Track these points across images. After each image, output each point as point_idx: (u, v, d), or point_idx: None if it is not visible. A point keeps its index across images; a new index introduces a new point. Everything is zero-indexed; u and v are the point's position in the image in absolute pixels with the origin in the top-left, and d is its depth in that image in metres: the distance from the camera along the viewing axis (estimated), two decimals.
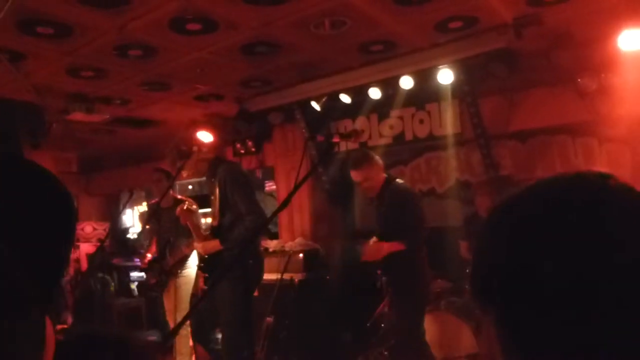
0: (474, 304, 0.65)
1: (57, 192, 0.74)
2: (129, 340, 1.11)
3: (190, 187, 8.05)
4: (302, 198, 5.75)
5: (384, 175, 3.72)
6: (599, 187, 0.60)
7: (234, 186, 3.51)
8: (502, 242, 0.61)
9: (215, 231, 3.64)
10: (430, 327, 4.02)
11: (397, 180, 3.75)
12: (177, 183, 7.11)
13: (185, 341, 4.72)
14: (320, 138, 4.67)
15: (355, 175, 3.67)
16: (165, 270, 4.62)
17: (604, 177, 0.62)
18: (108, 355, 1.04)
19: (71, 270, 7.10)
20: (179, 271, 4.67)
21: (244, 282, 3.40)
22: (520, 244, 0.59)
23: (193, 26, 3.60)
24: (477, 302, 0.64)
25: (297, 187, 2.00)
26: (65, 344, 0.98)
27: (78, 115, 5.19)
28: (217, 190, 3.59)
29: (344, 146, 5.59)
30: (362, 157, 3.70)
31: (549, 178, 0.64)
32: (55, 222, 0.72)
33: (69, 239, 0.75)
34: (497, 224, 0.64)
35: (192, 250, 4.66)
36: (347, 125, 5.63)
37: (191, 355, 4.79)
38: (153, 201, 4.58)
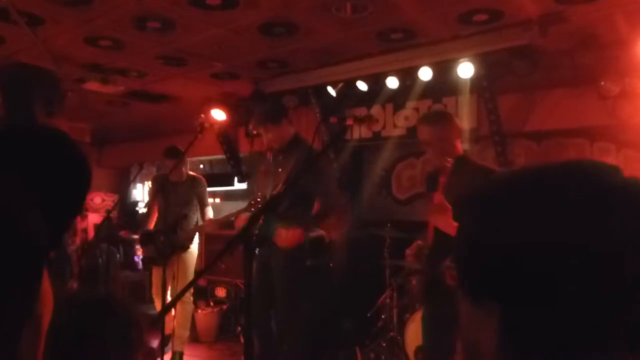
0: (457, 289, 0.61)
1: (75, 152, 0.79)
2: (119, 303, 1.13)
3: (201, 166, 8.07)
4: None
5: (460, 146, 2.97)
6: (606, 180, 0.55)
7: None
8: (499, 233, 0.56)
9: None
10: None
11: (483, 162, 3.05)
12: (188, 160, 7.13)
13: (187, 312, 4.80)
14: (333, 120, 4.61)
15: (425, 133, 2.95)
16: (172, 244, 4.62)
17: (612, 170, 0.56)
18: (97, 314, 1.06)
19: (78, 240, 7.16)
20: (189, 246, 4.75)
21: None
22: (520, 239, 0.54)
23: (213, 1, 3.56)
24: (469, 292, 0.60)
25: (302, 170, 1.97)
26: (64, 306, 0.99)
27: (93, 85, 5.20)
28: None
29: (357, 134, 5.55)
30: (439, 113, 3.22)
31: (552, 165, 0.59)
32: (71, 177, 0.77)
33: (81, 195, 0.79)
34: (491, 210, 0.59)
35: (211, 230, 4.85)
36: (362, 113, 5.57)
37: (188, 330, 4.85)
38: (161, 174, 4.60)
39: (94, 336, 1.03)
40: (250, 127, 5.50)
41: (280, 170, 3.63)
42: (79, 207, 0.77)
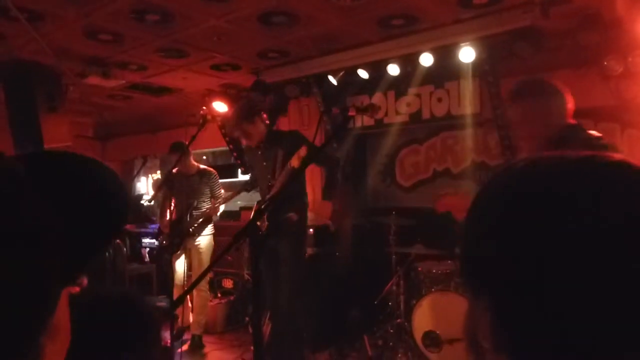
0: (462, 285, 0.61)
1: (115, 191, 0.74)
2: (136, 301, 1.11)
3: (204, 157, 8.07)
4: (314, 173, 5.73)
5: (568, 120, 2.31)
6: (606, 177, 0.52)
7: None
8: (495, 226, 0.54)
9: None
10: (439, 307, 4.02)
11: (590, 131, 2.31)
12: (192, 152, 7.14)
13: (204, 299, 5.05)
14: (335, 111, 4.61)
15: (515, 110, 2.40)
16: (183, 232, 4.80)
17: (615, 166, 0.53)
18: (115, 315, 1.05)
19: None
20: (202, 232, 4.96)
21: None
22: (516, 232, 0.52)
23: None
24: (468, 285, 0.59)
25: (305, 162, 1.97)
26: (73, 304, 0.99)
27: (94, 79, 5.20)
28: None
29: (359, 122, 5.53)
30: (530, 85, 2.39)
31: (553, 157, 0.56)
32: (104, 219, 0.71)
33: (111, 236, 0.75)
34: (490, 203, 0.58)
35: (216, 212, 5.01)
36: (363, 100, 5.55)
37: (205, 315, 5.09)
38: (172, 170, 4.70)
39: (116, 336, 1.02)
40: (226, 131, 5.64)
41: (264, 163, 3.86)
42: (106, 244, 0.72)
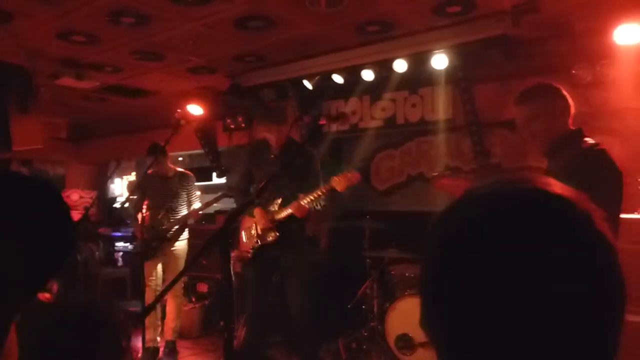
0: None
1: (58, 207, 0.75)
2: (107, 311, 1.10)
3: (180, 159, 8.01)
4: None
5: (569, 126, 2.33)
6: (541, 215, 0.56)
7: None
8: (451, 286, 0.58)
9: None
10: (412, 310, 4.07)
11: (587, 139, 2.30)
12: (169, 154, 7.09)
13: (178, 304, 4.99)
14: (307, 119, 4.62)
15: (519, 112, 2.38)
16: (160, 237, 4.74)
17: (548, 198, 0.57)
18: (86, 325, 1.04)
19: None
20: (179, 237, 4.89)
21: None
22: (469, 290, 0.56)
23: None
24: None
25: (281, 169, 1.98)
26: (47, 314, 0.98)
27: (67, 81, 5.12)
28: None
29: (334, 126, 5.56)
30: (536, 88, 2.39)
31: (489, 191, 0.61)
32: (53, 235, 0.73)
33: (63, 254, 0.76)
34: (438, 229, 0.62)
35: (197, 217, 4.98)
36: (339, 105, 5.59)
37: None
38: (149, 172, 4.65)
39: (85, 348, 1.01)
40: (202, 134, 5.63)
41: (274, 168, 3.85)
42: (57, 265, 0.73)
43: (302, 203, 3.60)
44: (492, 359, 0.54)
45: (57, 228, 0.74)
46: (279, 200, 3.76)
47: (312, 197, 3.61)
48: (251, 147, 4.32)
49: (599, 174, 2.14)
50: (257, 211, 3.81)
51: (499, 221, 0.56)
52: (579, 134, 2.31)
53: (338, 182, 3.51)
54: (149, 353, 4.64)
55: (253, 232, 3.88)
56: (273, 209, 3.77)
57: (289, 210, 3.67)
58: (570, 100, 2.34)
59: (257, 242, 3.84)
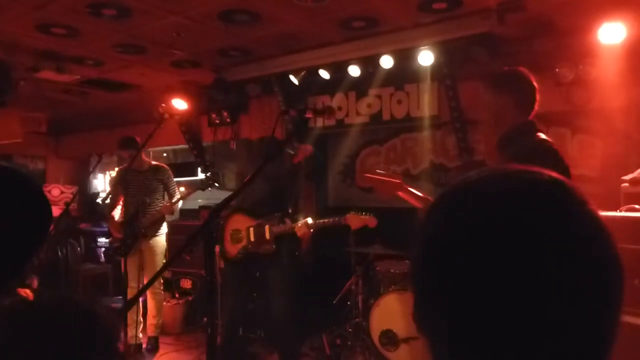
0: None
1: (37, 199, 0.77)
2: (95, 308, 1.07)
3: (164, 154, 7.93)
4: None
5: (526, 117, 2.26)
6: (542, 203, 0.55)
7: None
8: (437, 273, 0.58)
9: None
10: (396, 306, 4.08)
11: (542, 136, 2.23)
12: (151, 150, 7.01)
13: (158, 301, 4.96)
14: (292, 113, 4.60)
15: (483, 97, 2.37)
16: (135, 233, 4.65)
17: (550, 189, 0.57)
18: (73, 322, 1.01)
19: None
20: (156, 233, 4.80)
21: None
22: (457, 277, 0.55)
23: None
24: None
25: (263, 164, 1.97)
26: (31, 311, 0.95)
27: (48, 74, 5.02)
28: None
29: (320, 121, 5.54)
30: (491, 77, 2.37)
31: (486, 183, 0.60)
32: (28, 225, 0.75)
33: (37, 242, 0.77)
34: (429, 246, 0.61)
35: (171, 212, 4.89)
36: (324, 100, 5.58)
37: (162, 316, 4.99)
38: (124, 166, 4.59)
39: (82, 350, 0.98)
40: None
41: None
42: (35, 247, 0.74)
43: (308, 225, 3.64)
44: (490, 357, 0.53)
45: (30, 212, 0.74)
46: (278, 215, 3.78)
47: (320, 223, 3.64)
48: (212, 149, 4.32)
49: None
50: (242, 219, 3.79)
51: (495, 214, 0.55)
52: (531, 127, 2.23)
53: (353, 221, 3.49)
54: (131, 349, 4.60)
55: (242, 235, 3.86)
56: (273, 222, 3.77)
57: (292, 229, 3.69)
58: (532, 92, 2.25)
59: (249, 247, 3.81)
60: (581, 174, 4.50)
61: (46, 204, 0.76)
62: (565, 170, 2.06)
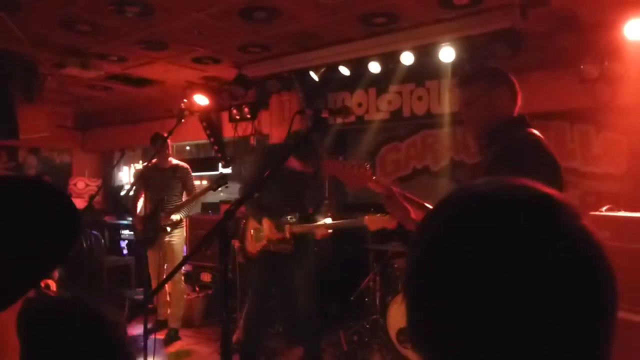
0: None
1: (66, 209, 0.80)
2: (103, 314, 1.10)
3: (187, 147, 8.02)
4: None
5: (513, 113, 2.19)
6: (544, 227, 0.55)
7: None
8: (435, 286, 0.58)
9: None
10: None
11: (532, 130, 2.12)
12: (175, 144, 7.09)
13: (180, 292, 5.12)
14: (309, 112, 4.59)
15: (459, 96, 2.36)
16: (156, 227, 4.77)
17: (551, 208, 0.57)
18: (81, 327, 1.03)
19: None
20: (176, 227, 4.98)
21: None
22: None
23: None
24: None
25: (280, 161, 1.98)
26: (39, 311, 0.98)
27: (73, 70, 5.12)
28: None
29: (340, 118, 5.54)
30: (477, 71, 2.39)
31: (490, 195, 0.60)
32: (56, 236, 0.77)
33: (64, 252, 0.79)
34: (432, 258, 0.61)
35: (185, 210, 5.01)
36: (345, 97, 5.57)
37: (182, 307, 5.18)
38: (148, 163, 4.72)
39: (99, 350, 1.00)
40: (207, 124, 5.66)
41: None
42: (60, 257, 0.77)
43: (327, 226, 3.66)
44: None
45: (60, 222, 0.77)
46: (296, 215, 3.79)
47: (339, 224, 3.66)
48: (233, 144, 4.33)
49: (529, 163, 1.93)
50: (265, 222, 3.82)
51: (493, 223, 0.56)
52: (520, 122, 2.14)
53: (372, 222, 3.48)
54: (159, 325, 4.96)
55: (262, 234, 3.88)
56: (292, 222, 3.77)
57: (311, 229, 3.72)
58: (515, 87, 2.19)
59: (270, 246, 3.84)
60: (606, 171, 4.42)
61: (77, 217, 0.80)
62: (552, 165, 2.00)
